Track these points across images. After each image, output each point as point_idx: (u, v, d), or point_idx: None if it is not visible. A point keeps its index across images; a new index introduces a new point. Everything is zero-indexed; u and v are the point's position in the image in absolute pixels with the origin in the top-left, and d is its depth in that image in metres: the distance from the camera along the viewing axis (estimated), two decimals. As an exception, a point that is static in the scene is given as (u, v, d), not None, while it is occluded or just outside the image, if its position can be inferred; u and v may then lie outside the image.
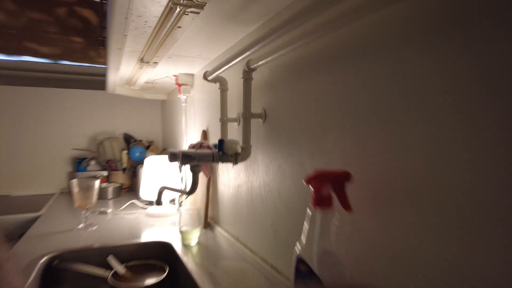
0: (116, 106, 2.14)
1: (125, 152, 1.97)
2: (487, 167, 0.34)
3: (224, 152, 0.78)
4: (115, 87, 1.69)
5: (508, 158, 0.32)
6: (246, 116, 0.79)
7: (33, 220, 1.37)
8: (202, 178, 1.26)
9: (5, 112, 1.90)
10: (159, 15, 0.78)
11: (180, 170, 1.43)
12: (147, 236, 1.14)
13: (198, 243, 1.05)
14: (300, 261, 0.52)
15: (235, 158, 0.80)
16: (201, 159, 0.78)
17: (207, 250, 0.99)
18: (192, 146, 1.09)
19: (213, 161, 0.78)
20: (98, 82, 2.09)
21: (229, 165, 1.07)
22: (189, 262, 0.90)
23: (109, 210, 1.48)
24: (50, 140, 1.99)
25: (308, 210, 0.51)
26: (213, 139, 1.20)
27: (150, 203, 1.55)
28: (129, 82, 1.62)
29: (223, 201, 1.13)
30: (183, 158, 0.75)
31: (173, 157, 0.80)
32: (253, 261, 0.88)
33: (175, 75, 1.45)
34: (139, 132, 2.19)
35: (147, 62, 1.18)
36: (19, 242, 1.06)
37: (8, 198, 1.84)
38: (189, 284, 0.85)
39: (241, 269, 0.85)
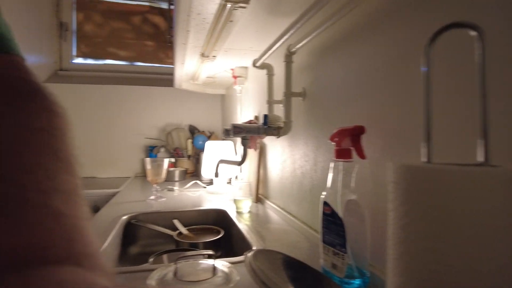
0: (182, 100, 2.39)
1: (189, 141, 2.22)
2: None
3: (269, 125, 0.91)
4: (181, 83, 1.92)
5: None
6: (287, 95, 0.91)
7: (114, 195, 1.65)
8: (253, 159, 1.40)
9: (91, 107, 2.26)
10: (214, 12, 0.93)
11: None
12: (206, 206, 1.31)
13: (249, 211, 1.20)
14: (325, 204, 0.63)
15: (278, 131, 0.92)
16: (249, 131, 0.91)
17: (257, 217, 1.13)
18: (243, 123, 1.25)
19: (259, 133, 0.92)
20: (166, 80, 2.36)
21: (276, 144, 1.19)
22: (241, 224, 1.05)
23: (176, 188, 1.70)
24: (127, 131, 2.31)
25: (331, 162, 0.62)
26: (264, 123, 1.34)
27: (211, 182, 1.75)
28: (193, 77, 1.83)
29: (271, 177, 1.26)
30: (234, 129, 0.89)
31: (226, 132, 0.95)
32: (294, 224, 0.99)
33: (232, 69, 1.62)
34: (202, 123, 2.42)
35: (207, 56, 1.36)
36: (105, 207, 1.31)
37: (95, 179, 2.19)
38: (240, 241, 0.99)
39: (284, 230, 0.98)
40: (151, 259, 0.91)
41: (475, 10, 0.41)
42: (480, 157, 0.24)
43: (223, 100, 2.41)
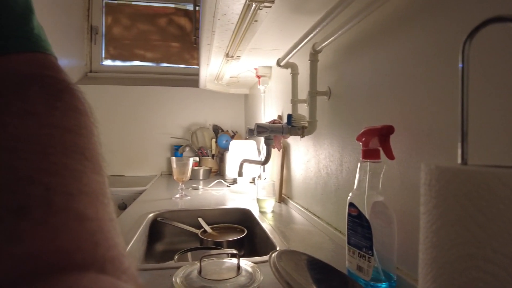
0: (206, 100, 2.42)
1: (214, 140, 2.24)
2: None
3: (293, 125, 0.90)
4: (206, 83, 1.94)
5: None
6: (312, 94, 0.90)
7: (141, 192, 1.69)
8: (277, 158, 1.40)
9: (119, 107, 2.33)
10: (239, 12, 0.94)
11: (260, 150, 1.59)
12: (230, 205, 1.32)
13: (273, 211, 1.19)
14: (351, 205, 0.62)
15: (302, 131, 0.91)
16: (273, 131, 0.91)
17: (280, 217, 1.13)
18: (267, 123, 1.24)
19: (283, 133, 0.91)
20: (191, 80, 2.40)
21: (300, 144, 1.18)
22: (264, 224, 1.05)
23: (200, 187, 1.72)
24: (153, 130, 2.36)
25: (359, 163, 0.61)
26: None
27: (234, 181, 1.76)
28: (217, 78, 1.85)
29: (295, 177, 1.25)
30: (258, 129, 0.89)
31: (250, 132, 0.95)
32: (319, 225, 0.98)
33: (255, 68, 1.62)
34: (226, 123, 2.44)
35: (231, 57, 1.37)
36: (132, 204, 1.34)
37: (123, 177, 2.26)
38: (264, 241, 0.99)
39: (308, 231, 0.97)
40: (176, 257, 0.93)
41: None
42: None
43: (246, 99, 2.42)
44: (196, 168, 2.06)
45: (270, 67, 1.59)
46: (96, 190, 0.21)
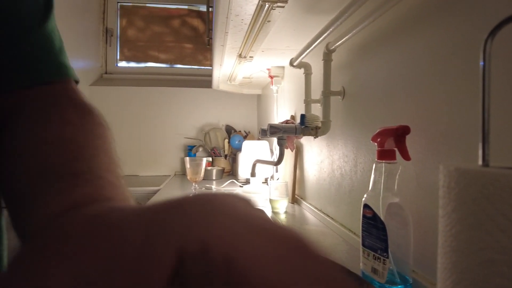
0: (219, 101, 2.44)
1: (226, 140, 2.25)
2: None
3: (306, 125, 0.90)
4: (219, 84, 1.95)
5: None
6: (326, 94, 0.89)
7: (155, 192, 1.71)
8: (290, 159, 1.39)
9: (133, 108, 2.36)
10: (252, 13, 0.94)
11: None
12: (243, 205, 1.32)
13: (286, 212, 1.19)
14: (366, 206, 0.61)
15: (315, 131, 0.91)
16: (286, 131, 0.91)
17: (293, 218, 1.12)
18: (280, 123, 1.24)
19: (296, 133, 0.91)
20: (204, 81, 2.41)
21: (313, 145, 1.17)
22: (277, 224, 1.04)
23: (213, 187, 1.73)
24: (167, 131, 2.39)
25: (374, 164, 0.60)
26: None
27: (247, 181, 1.76)
28: (230, 78, 1.85)
29: (308, 178, 1.24)
30: (271, 129, 0.89)
31: (263, 132, 0.95)
32: (332, 226, 0.97)
33: (268, 69, 1.62)
34: (238, 123, 2.45)
35: (244, 57, 1.37)
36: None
37: (137, 177, 2.29)
38: (276, 242, 0.99)
39: (321, 232, 0.96)
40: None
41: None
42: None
43: (259, 100, 2.42)
44: (209, 168, 2.07)
45: (283, 67, 1.58)
46: (120, 178, 0.31)
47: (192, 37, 2.63)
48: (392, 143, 0.58)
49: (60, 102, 0.35)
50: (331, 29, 0.81)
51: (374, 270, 0.58)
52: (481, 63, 0.23)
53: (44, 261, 0.17)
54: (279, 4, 0.82)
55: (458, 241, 0.21)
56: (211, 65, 1.72)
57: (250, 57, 1.37)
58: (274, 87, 1.61)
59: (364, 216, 0.61)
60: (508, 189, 0.19)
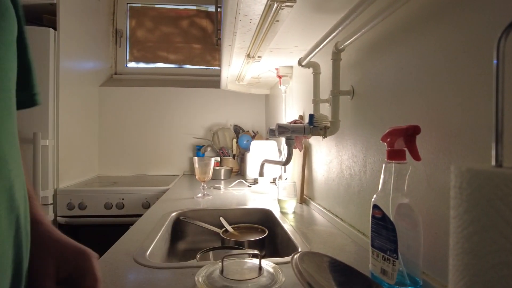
0: (228, 101, 2.44)
1: (234, 140, 2.25)
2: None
3: (314, 125, 0.89)
4: (227, 84, 1.96)
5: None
6: (335, 93, 0.89)
7: (164, 192, 1.72)
8: (298, 159, 1.39)
9: (143, 108, 2.38)
10: (261, 13, 0.94)
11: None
12: (251, 205, 1.32)
13: (294, 212, 1.18)
14: (375, 207, 0.60)
15: (324, 131, 0.90)
16: (294, 131, 0.90)
17: (301, 218, 1.12)
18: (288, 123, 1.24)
19: (304, 133, 0.90)
20: (213, 81, 2.43)
21: (322, 145, 1.17)
22: (286, 224, 1.04)
23: (222, 186, 1.73)
24: (175, 131, 2.40)
25: (384, 164, 0.59)
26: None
27: (255, 181, 1.76)
28: (238, 78, 1.86)
29: (317, 178, 1.23)
30: (279, 129, 0.89)
31: (271, 132, 0.95)
32: (341, 226, 0.96)
33: (276, 68, 1.61)
34: (246, 123, 2.45)
35: (253, 57, 1.37)
36: (155, 203, 1.37)
37: (146, 177, 2.31)
38: (285, 242, 0.99)
39: (330, 232, 0.95)
40: (198, 256, 0.94)
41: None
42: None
43: (267, 100, 2.42)
44: (217, 168, 2.07)
45: (291, 66, 1.58)
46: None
47: (200, 38, 2.64)
48: (402, 143, 0.58)
49: None
50: (340, 28, 0.80)
51: (384, 271, 0.57)
52: (495, 61, 0.22)
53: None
54: (287, 3, 0.82)
55: (471, 243, 0.21)
56: (219, 65, 1.73)
57: (258, 57, 1.37)
58: (282, 87, 1.61)
59: (373, 216, 0.61)
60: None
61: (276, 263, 0.67)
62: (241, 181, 1.84)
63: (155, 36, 2.63)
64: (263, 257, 0.73)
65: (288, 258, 0.74)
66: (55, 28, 1.69)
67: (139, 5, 2.58)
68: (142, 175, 2.36)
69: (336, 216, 1.04)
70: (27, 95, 0.50)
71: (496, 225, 0.19)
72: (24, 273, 0.42)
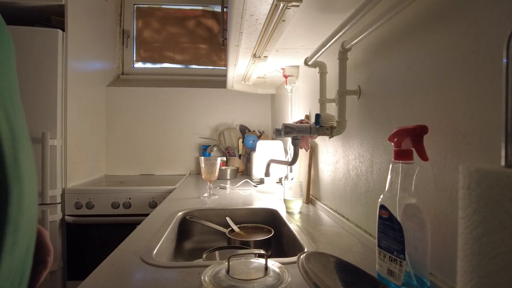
0: (234, 101, 2.45)
1: (240, 140, 2.26)
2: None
3: (321, 125, 0.89)
4: (233, 84, 1.96)
5: None
6: (341, 93, 0.88)
7: (170, 191, 1.73)
8: (304, 159, 1.38)
9: (149, 108, 2.40)
10: (267, 12, 0.94)
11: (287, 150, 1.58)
12: (257, 205, 1.32)
13: (300, 212, 1.18)
14: (382, 207, 0.60)
15: (330, 131, 0.90)
16: (301, 131, 0.90)
17: (308, 218, 1.12)
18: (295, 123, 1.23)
19: (310, 133, 0.90)
20: (219, 81, 2.43)
21: (328, 145, 1.16)
22: (292, 225, 1.04)
23: (228, 186, 1.74)
24: (182, 131, 2.41)
25: (391, 164, 0.59)
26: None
27: (261, 181, 1.76)
28: (244, 78, 1.86)
29: (323, 178, 1.23)
30: (285, 129, 0.89)
31: (277, 132, 0.95)
32: (348, 226, 0.96)
33: (282, 68, 1.61)
34: (252, 123, 2.45)
35: (259, 57, 1.37)
36: (162, 203, 1.38)
37: (153, 176, 2.32)
38: (291, 242, 0.99)
39: (336, 233, 0.95)
40: (204, 255, 0.94)
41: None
42: None
43: (273, 99, 2.42)
44: (223, 167, 2.08)
45: (297, 66, 1.57)
46: None
47: (207, 38, 2.65)
48: (409, 143, 0.57)
49: None
50: (346, 28, 0.80)
51: (390, 272, 0.57)
52: (505, 60, 0.22)
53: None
54: (293, 3, 0.82)
55: (480, 244, 0.21)
56: (225, 65, 1.73)
57: (264, 56, 1.37)
58: (288, 87, 1.61)
59: (380, 217, 0.61)
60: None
61: (282, 263, 0.67)
62: (247, 181, 1.84)
63: (161, 37, 2.64)
64: (269, 257, 0.73)
65: (294, 258, 0.74)
66: (63, 29, 1.71)
67: (146, 5, 2.60)
68: (149, 174, 2.37)
69: (343, 216, 1.03)
70: None
71: (506, 226, 0.19)
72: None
